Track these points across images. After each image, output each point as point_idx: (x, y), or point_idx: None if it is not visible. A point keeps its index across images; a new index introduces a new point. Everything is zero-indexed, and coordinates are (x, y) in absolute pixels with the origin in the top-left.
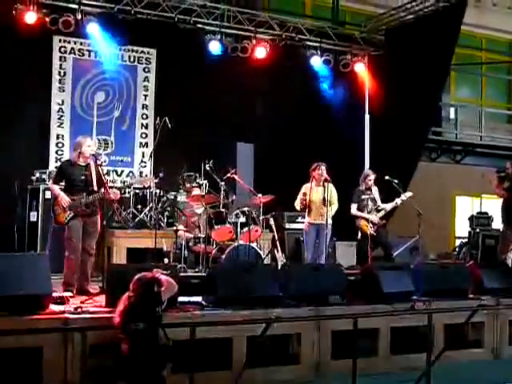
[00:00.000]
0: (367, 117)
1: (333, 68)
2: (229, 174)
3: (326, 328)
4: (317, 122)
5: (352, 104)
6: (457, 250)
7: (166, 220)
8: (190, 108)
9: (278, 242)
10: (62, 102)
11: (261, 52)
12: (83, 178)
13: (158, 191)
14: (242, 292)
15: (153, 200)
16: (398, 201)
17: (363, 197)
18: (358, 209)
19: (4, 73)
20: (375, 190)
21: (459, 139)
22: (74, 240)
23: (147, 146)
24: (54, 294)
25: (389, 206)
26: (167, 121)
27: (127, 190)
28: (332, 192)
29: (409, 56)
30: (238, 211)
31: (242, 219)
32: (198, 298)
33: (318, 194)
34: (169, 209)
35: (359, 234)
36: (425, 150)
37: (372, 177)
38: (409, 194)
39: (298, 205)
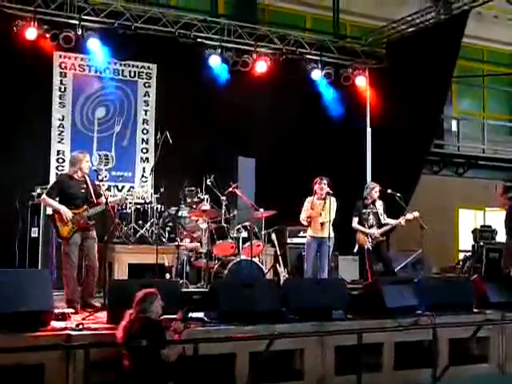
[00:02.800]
0: (369, 130)
1: (334, 81)
2: (230, 189)
3: (329, 343)
4: (318, 136)
5: (353, 117)
6: (460, 263)
7: (167, 235)
8: (191, 122)
9: (280, 257)
10: (63, 117)
11: (261, 66)
12: (83, 191)
13: (159, 206)
14: (245, 307)
15: (154, 215)
16: (402, 221)
17: (365, 210)
18: (359, 222)
19: (5, 89)
20: (380, 205)
21: (461, 152)
22: (73, 256)
23: (148, 161)
24: (56, 311)
25: (393, 223)
26: (168, 135)
27: (127, 205)
28: (333, 205)
29: (410, 69)
30: (239, 226)
31: (244, 234)
32: (200, 314)
33: (319, 207)
34: (170, 224)
35: (356, 247)
36: (427, 162)
37: (376, 189)
38: (416, 213)
39: (303, 219)
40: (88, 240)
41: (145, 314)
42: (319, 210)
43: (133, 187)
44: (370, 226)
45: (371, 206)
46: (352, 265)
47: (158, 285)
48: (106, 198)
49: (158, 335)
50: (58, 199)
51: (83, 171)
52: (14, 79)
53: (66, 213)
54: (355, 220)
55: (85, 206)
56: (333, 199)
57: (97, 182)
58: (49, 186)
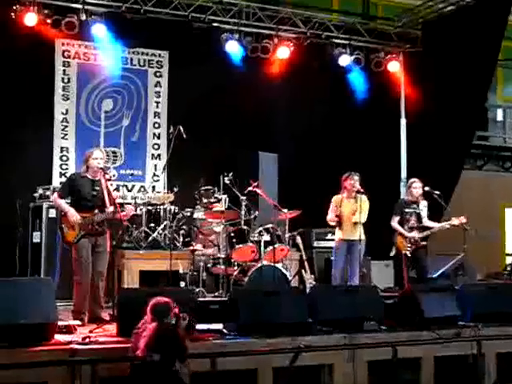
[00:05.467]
0: (403, 121)
1: (364, 68)
2: (250, 188)
3: (361, 358)
4: (347, 129)
5: (386, 107)
6: (508, 268)
7: (181, 239)
8: (207, 115)
9: (305, 262)
10: (66, 111)
11: (283, 52)
12: (94, 193)
13: (172, 208)
14: (267, 318)
15: (167, 217)
16: (446, 225)
17: (407, 210)
18: (399, 223)
19: (2, 81)
20: (424, 205)
21: (508, 144)
22: (84, 261)
23: (160, 158)
24: (60, 323)
25: (436, 227)
26: (182, 130)
27: (141, 208)
28: (364, 204)
29: (449, 52)
30: (261, 228)
31: (266, 237)
32: (219, 326)
33: (349, 206)
34: (185, 227)
35: (393, 251)
36: (469, 156)
37: (417, 185)
38: (463, 219)
39: (331, 220)
40: (97, 246)
41: (163, 324)
42: (350, 209)
43: (144, 187)
44: (410, 228)
45: (413, 205)
46: (386, 271)
47: (172, 294)
48: (117, 211)
49: (175, 347)
50: (69, 200)
51: (93, 169)
52: (12, 70)
53: (73, 216)
54: (395, 219)
55: (96, 210)
56: (364, 198)
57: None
58: (60, 185)
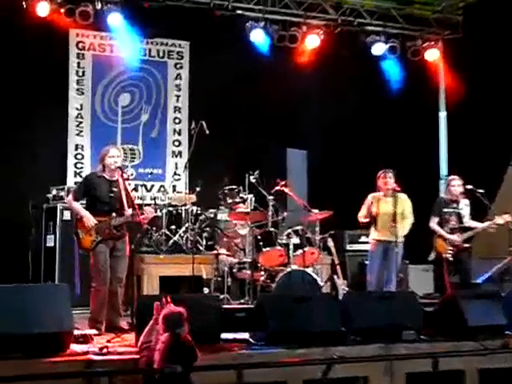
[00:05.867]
0: (443, 114)
1: (399, 57)
2: (278, 187)
3: (399, 370)
4: (381, 123)
5: (423, 99)
6: None
7: (204, 243)
8: (231, 110)
9: (338, 267)
10: (81, 106)
11: (313, 41)
12: (112, 195)
13: (194, 208)
14: (297, 327)
15: (189, 219)
16: (490, 225)
17: (446, 210)
18: (439, 224)
19: (13, 75)
20: (466, 204)
21: None
22: (102, 268)
23: (181, 156)
24: (76, 332)
25: (479, 227)
26: (204, 125)
27: (161, 209)
28: (406, 203)
29: (492, 38)
30: (289, 230)
31: (295, 240)
32: (245, 335)
33: (388, 205)
34: (208, 229)
35: (432, 255)
36: None
37: (456, 183)
38: (508, 217)
39: (362, 216)
40: (116, 251)
41: (177, 335)
42: (388, 208)
43: (164, 186)
44: (451, 230)
45: (453, 205)
46: (425, 276)
47: (195, 301)
48: (137, 214)
49: (192, 358)
50: (85, 203)
51: (110, 168)
52: (23, 63)
53: (88, 220)
54: (435, 220)
55: (113, 214)
56: (404, 197)
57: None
58: (75, 186)
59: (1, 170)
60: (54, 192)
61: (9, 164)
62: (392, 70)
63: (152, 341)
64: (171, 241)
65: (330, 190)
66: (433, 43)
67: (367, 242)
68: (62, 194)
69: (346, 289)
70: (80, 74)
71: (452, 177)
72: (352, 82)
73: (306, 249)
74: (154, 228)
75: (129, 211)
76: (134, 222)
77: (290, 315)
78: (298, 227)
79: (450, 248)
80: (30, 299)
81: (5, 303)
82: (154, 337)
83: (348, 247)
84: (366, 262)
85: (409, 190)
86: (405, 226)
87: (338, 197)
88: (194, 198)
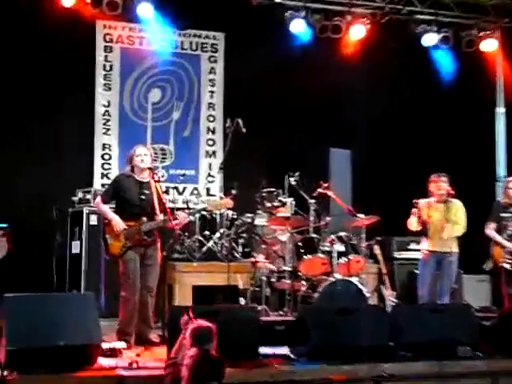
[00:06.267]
0: (500, 110)
1: (453, 47)
2: (320, 190)
3: None
4: (432, 120)
5: (479, 94)
6: None
7: (241, 249)
8: (269, 106)
9: (385, 276)
10: (109, 103)
11: (358, 31)
12: (143, 197)
13: (230, 213)
14: (342, 341)
15: (224, 224)
16: None
17: (504, 215)
18: (496, 230)
19: (36, 70)
20: None
21: None
22: (132, 276)
23: (215, 156)
24: (104, 345)
25: None
26: (240, 123)
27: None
28: (459, 211)
29: None
30: (333, 237)
31: (339, 247)
32: (285, 350)
33: (440, 212)
34: (245, 235)
35: (489, 264)
36: None
37: None
38: None
39: (412, 223)
40: (146, 258)
41: (206, 351)
42: (440, 216)
43: (197, 189)
44: (510, 237)
45: (511, 208)
46: (481, 287)
47: (231, 312)
48: (169, 220)
49: (221, 375)
50: (114, 206)
51: (139, 169)
52: (46, 57)
53: (117, 223)
54: (491, 226)
55: (144, 218)
56: (458, 204)
57: None
58: (104, 188)
59: (23, 172)
60: (80, 195)
61: (31, 165)
62: (444, 62)
63: (179, 357)
64: (205, 247)
65: (376, 192)
66: (490, 32)
67: (417, 250)
68: (89, 196)
69: (395, 300)
70: (107, 68)
71: (510, 178)
72: (400, 76)
73: (350, 257)
74: (187, 234)
75: (160, 216)
76: (167, 228)
77: (334, 328)
78: (342, 233)
79: (508, 256)
80: (54, 309)
81: (28, 314)
82: (181, 352)
83: (396, 255)
84: (416, 272)
85: (462, 192)
86: (456, 230)
87: (386, 200)
88: (231, 202)
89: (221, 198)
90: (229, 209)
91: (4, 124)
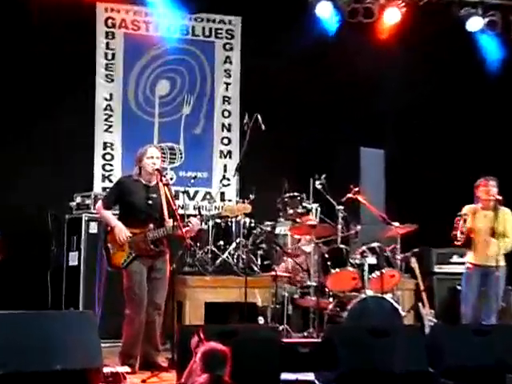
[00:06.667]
0: None
1: (501, 33)
2: (350, 194)
3: None
4: (478, 117)
5: None
6: None
7: (259, 262)
8: (291, 100)
9: (423, 293)
10: (111, 96)
11: (392, 15)
12: (150, 202)
13: (247, 220)
14: (374, 366)
15: (241, 233)
16: None
17: None
18: None
19: (30, 59)
20: None
21: None
22: (138, 291)
23: (231, 157)
24: (105, 370)
25: None
26: (259, 119)
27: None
28: (507, 221)
29: None
30: (364, 248)
31: (371, 259)
32: (310, 376)
33: (486, 221)
34: (264, 246)
35: None
36: None
37: None
38: None
39: (458, 237)
40: (154, 271)
41: (217, 377)
42: (486, 225)
43: (210, 193)
44: None
45: None
46: None
47: (248, 333)
48: (179, 227)
49: None
50: (117, 212)
51: (147, 172)
52: (42, 45)
53: (121, 231)
54: None
55: (151, 225)
56: (508, 212)
57: None
58: (106, 192)
59: (14, 174)
60: (79, 200)
61: (24, 166)
62: (491, 48)
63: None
64: (219, 259)
65: (413, 197)
66: None
67: (460, 263)
68: (88, 201)
69: (434, 320)
70: (109, 57)
71: None
72: (440, 65)
73: (384, 270)
74: (199, 244)
75: (169, 222)
76: (176, 236)
77: (365, 352)
78: (375, 244)
79: None
80: (49, 329)
81: (19, 333)
82: (191, 379)
83: (436, 269)
84: (459, 288)
85: (510, 198)
86: (504, 246)
87: (424, 206)
88: (249, 207)
89: (237, 202)
90: (246, 215)
91: None
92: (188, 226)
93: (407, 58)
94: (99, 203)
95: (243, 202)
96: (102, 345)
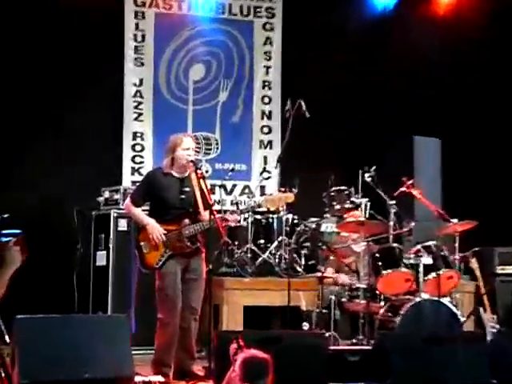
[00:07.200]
0: None
1: None
2: (403, 188)
3: None
4: None
5: None
6: None
7: (304, 262)
8: (338, 85)
9: (484, 297)
10: (141, 81)
11: None
12: (183, 196)
13: (290, 217)
14: (430, 377)
15: (283, 231)
16: None
17: None
18: None
19: (54, 44)
20: None
21: None
22: (172, 294)
23: (271, 147)
24: (137, 379)
25: None
26: (303, 106)
27: (246, 215)
28: None
29: None
30: (419, 247)
31: (427, 259)
32: None
33: None
34: (308, 244)
35: None
36: None
37: None
38: None
39: None
40: (189, 272)
41: None
42: None
43: (249, 187)
44: None
45: None
46: None
47: (292, 340)
48: (214, 216)
49: None
50: (147, 208)
51: (180, 163)
52: (65, 27)
53: (154, 230)
54: None
55: (186, 221)
56: None
57: None
58: (135, 187)
59: (38, 167)
60: (107, 195)
61: (48, 159)
62: None
63: None
64: (259, 259)
65: (473, 191)
66: None
67: None
68: (117, 196)
69: (497, 326)
70: (139, 39)
71: None
72: (501, 45)
73: (441, 272)
74: (237, 242)
75: (205, 215)
76: (212, 234)
77: (420, 361)
78: (431, 242)
79: None
80: (77, 334)
81: (45, 340)
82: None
83: (498, 270)
84: None
85: None
86: None
87: (485, 201)
88: (292, 196)
89: (279, 191)
90: (289, 211)
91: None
92: (227, 220)
93: (466, 37)
94: (127, 200)
95: (284, 192)
96: (134, 352)
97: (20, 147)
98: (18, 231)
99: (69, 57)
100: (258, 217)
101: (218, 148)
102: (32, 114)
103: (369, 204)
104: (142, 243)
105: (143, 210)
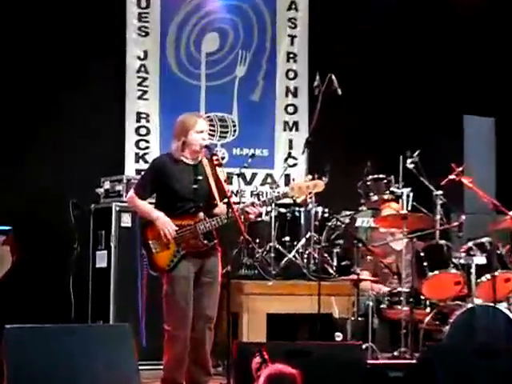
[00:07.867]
0: None
1: None
2: (451, 176)
3: None
4: None
5: None
6: None
7: (336, 263)
8: (375, 57)
9: None
10: (145, 54)
11: None
12: (196, 186)
13: (319, 210)
14: None
15: (311, 226)
16: None
17: None
18: None
19: (48, 13)
20: None
21: None
22: (182, 301)
23: (297, 129)
24: None
25: None
26: (335, 81)
27: (269, 208)
28: None
29: None
30: (470, 244)
31: (480, 259)
32: None
33: None
34: (341, 242)
35: None
36: None
37: None
38: None
39: None
40: (204, 274)
41: None
42: None
43: (271, 176)
44: None
45: None
46: None
47: (324, 352)
48: (232, 209)
49: None
50: (155, 201)
51: (193, 148)
52: None
53: (165, 225)
54: None
55: (200, 214)
56: None
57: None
58: (139, 177)
59: (26, 155)
60: (107, 186)
61: (41, 146)
62: None
63: None
64: (284, 260)
65: None
66: None
67: None
68: (119, 188)
69: None
70: (143, 4)
71: None
72: None
73: (496, 273)
74: (259, 240)
75: (222, 207)
76: (233, 225)
77: (472, 377)
78: (484, 239)
79: None
80: (74, 346)
81: (38, 352)
82: None
83: None
84: None
85: None
86: None
87: None
88: (321, 184)
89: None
90: (319, 204)
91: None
92: (248, 212)
93: None
94: (131, 192)
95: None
96: (143, 367)
97: (12, 132)
98: (6, 227)
99: (66, 32)
100: (283, 210)
101: (235, 131)
102: (24, 92)
103: (411, 195)
104: (150, 241)
105: (149, 203)
